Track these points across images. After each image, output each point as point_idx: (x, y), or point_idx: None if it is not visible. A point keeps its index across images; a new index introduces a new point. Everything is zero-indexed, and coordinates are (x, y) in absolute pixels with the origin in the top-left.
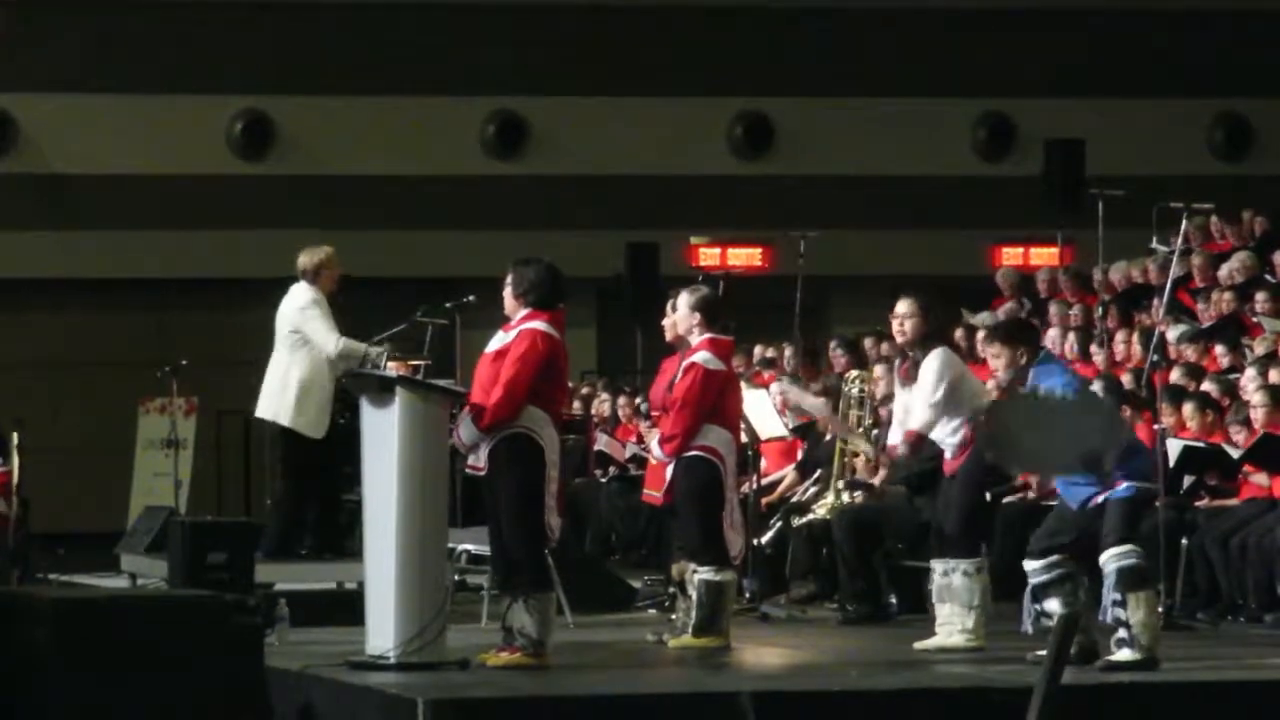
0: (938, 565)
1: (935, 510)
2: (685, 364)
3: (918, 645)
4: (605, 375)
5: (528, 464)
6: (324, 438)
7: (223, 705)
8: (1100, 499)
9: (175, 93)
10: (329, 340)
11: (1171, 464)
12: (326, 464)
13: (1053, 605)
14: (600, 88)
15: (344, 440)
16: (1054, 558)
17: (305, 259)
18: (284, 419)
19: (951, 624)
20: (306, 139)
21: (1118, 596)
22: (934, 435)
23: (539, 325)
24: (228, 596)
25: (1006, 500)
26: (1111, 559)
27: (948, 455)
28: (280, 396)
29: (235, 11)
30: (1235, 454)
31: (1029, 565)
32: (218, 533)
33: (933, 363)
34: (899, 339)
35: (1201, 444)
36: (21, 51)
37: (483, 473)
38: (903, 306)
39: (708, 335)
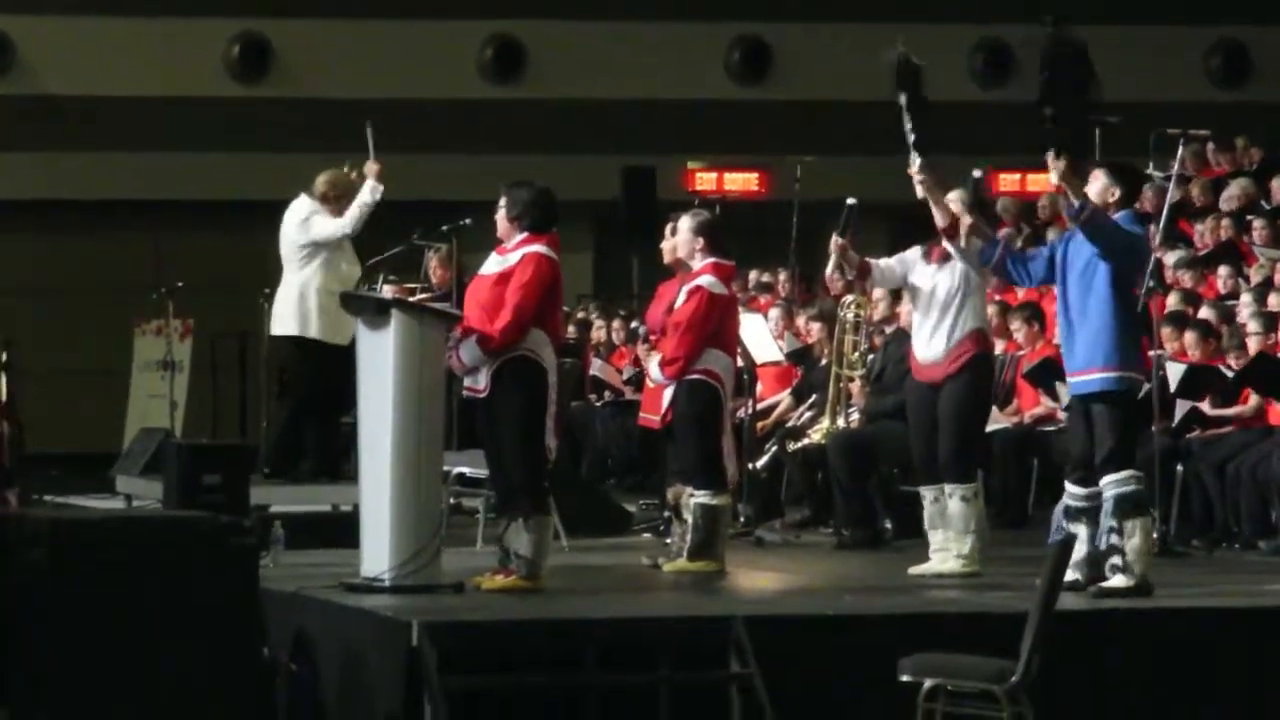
0: (928, 492)
1: (917, 430)
2: (689, 287)
3: (912, 570)
4: (601, 299)
5: (532, 386)
6: (347, 347)
7: (218, 626)
8: (1091, 389)
9: (172, 15)
10: (338, 226)
11: (1173, 389)
12: (348, 376)
13: (1078, 530)
14: (598, 11)
15: None
16: (1095, 489)
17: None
18: (311, 330)
19: (947, 550)
20: (303, 62)
21: (1114, 523)
22: (924, 336)
23: (542, 249)
24: (223, 518)
25: (1001, 426)
26: (1111, 485)
27: (937, 354)
28: (299, 310)
29: None
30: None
31: (1070, 489)
32: (213, 454)
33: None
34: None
35: (1202, 366)
36: None
37: (483, 394)
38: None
39: (711, 259)
